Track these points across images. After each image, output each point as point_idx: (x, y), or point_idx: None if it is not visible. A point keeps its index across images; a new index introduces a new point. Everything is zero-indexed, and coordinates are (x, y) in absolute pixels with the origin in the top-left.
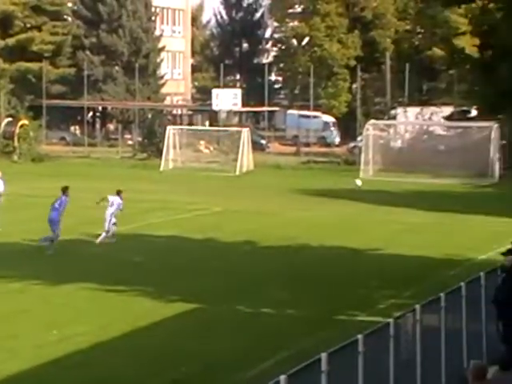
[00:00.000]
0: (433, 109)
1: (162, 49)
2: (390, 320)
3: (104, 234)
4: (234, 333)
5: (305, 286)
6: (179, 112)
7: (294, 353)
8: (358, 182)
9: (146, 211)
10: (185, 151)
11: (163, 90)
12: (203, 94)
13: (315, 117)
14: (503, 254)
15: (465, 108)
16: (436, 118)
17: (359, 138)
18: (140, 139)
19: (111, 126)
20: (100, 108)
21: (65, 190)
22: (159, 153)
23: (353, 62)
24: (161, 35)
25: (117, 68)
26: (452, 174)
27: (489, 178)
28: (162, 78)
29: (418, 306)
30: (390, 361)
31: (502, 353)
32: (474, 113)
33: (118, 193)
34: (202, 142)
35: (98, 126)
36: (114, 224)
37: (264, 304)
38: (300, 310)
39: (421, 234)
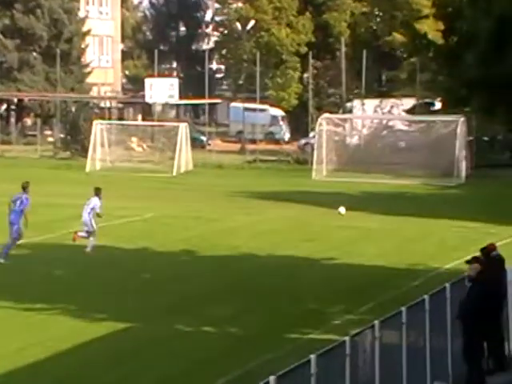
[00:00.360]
0: (393, 101)
1: (88, 32)
2: (346, 338)
3: (92, 239)
4: (170, 355)
5: (250, 300)
6: (107, 105)
7: (237, 377)
8: (342, 210)
9: (68, 218)
10: (114, 149)
11: (89, 80)
12: (135, 84)
13: (262, 110)
14: (468, 261)
15: (428, 100)
16: (396, 111)
17: (311, 134)
18: (62, 136)
19: (28, 121)
20: (15, 100)
21: (26, 186)
22: (85, 151)
23: (304, 49)
24: (86, 17)
25: (34, 54)
26: (414, 174)
27: (454, 178)
28: (87, 65)
29: (376, 322)
30: (345, 383)
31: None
32: (438, 105)
33: (97, 193)
34: (133, 139)
35: (12, 120)
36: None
37: (204, 322)
38: (245, 328)
39: (380, 241)
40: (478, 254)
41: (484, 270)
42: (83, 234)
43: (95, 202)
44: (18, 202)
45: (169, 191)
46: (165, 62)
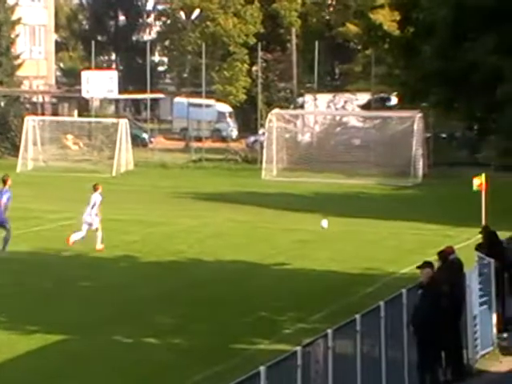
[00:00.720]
0: (347, 96)
1: (18, 21)
2: (298, 348)
3: (99, 234)
4: (110, 370)
5: (196, 309)
6: (40, 100)
7: None
8: (324, 224)
9: None
10: (48, 148)
11: (20, 73)
12: (70, 77)
13: (208, 106)
14: (419, 267)
15: (384, 95)
16: (350, 106)
17: (261, 131)
18: None
19: None
20: None
21: (6, 179)
22: (15, 150)
23: (252, 40)
24: (16, 4)
25: None
26: (369, 173)
27: (411, 177)
28: (17, 57)
29: (329, 331)
30: None
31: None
32: (394, 101)
33: (96, 189)
34: (69, 137)
35: None
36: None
37: (146, 333)
38: (190, 339)
39: (333, 245)
40: (435, 257)
41: (436, 276)
42: (78, 235)
43: (95, 198)
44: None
45: (108, 193)
46: (103, 53)
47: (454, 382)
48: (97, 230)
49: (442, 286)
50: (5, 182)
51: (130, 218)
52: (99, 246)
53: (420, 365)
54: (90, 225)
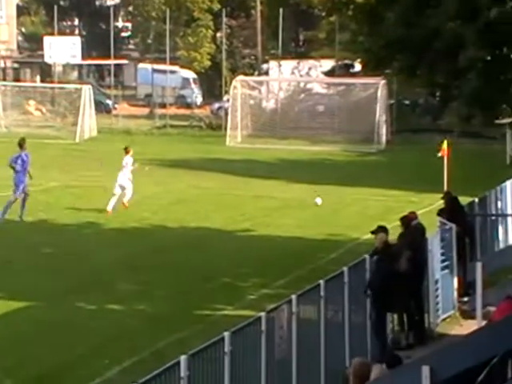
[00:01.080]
0: (311, 62)
1: None
2: (262, 313)
3: (129, 193)
4: (73, 336)
5: (160, 276)
6: (2, 65)
7: (146, 357)
8: (318, 201)
9: None
10: (10, 113)
11: None
12: (33, 42)
13: (172, 72)
14: (373, 232)
15: (347, 62)
16: (315, 73)
17: (225, 98)
18: None
19: None
20: None
21: (22, 143)
22: None
23: (217, 6)
24: None
25: None
26: (333, 140)
27: (375, 143)
28: None
29: (293, 296)
30: (261, 360)
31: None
32: (357, 67)
33: (127, 151)
34: (31, 102)
35: None
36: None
37: (110, 299)
38: (154, 306)
39: (297, 211)
40: (398, 223)
41: (399, 241)
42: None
43: (127, 160)
44: (20, 161)
45: (71, 159)
46: (65, 18)
47: (416, 346)
48: (124, 191)
49: (402, 251)
50: (21, 146)
51: (93, 185)
52: (126, 203)
53: (376, 328)
54: (123, 188)
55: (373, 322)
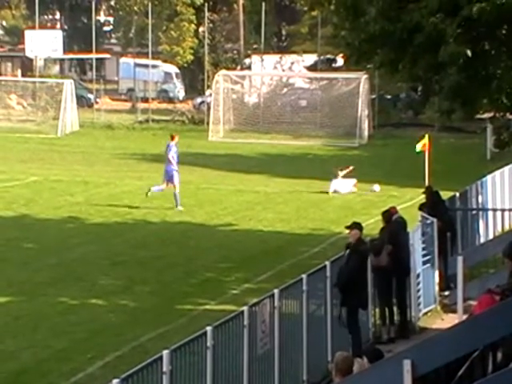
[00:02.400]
0: (293, 57)
1: None
2: (244, 308)
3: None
4: (54, 331)
5: (142, 270)
6: None
7: (128, 352)
8: (376, 188)
9: None
10: None
11: None
12: (13, 36)
13: (154, 66)
14: (347, 227)
15: (330, 56)
16: (297, 67)
17: (208, 92)
18: None
19: None
20: None
21: (173, 136)
22: None
23: (199, 0)
24: None
25: None
26: (315, 134)
27: (357, 138)
28: None
29: (276, 291)
30: (243, 355)
31: (369, 343)
32: (340, 62)
33: (172, 138)
34: (12, 97)
35: None
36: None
37: (92, 294)
38: (136, 301)
39: (280, 206)
40: (379, 217)
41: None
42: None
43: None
44: (168, 151)
45: (53, 153)
46: (47, 12)
47: (398, 340)
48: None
49: (383, 245)
50: (172, 138)
51: (75, 179)
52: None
53: (349, 324)
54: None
55: (343, 320)
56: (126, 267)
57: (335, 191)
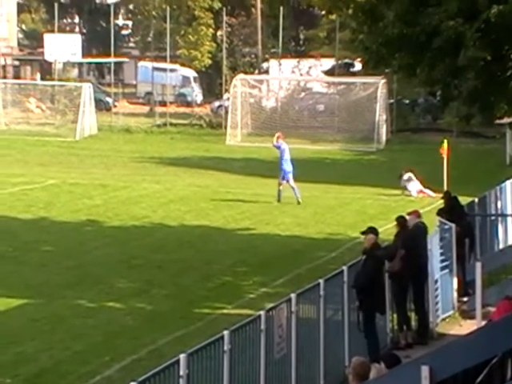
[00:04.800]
0: (311, 61)
1: None
2: (261, 312)
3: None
4: (71, 334)
5: (159, 274)
6: (2, 62)
7: (146, 355)
8: (414, 192)
9: None
10: (10, 111)
11: None
12: (33, 40)
13: (172, 70)
14: (363, 232)
15: (347, 61)
16: (315, 72)
17: (225, 96)
18: None
19: None
20: None
21: (278, 136)
22: None
23: (217, 5)
24: None
25: None
26: (333, 139)
27: (374, 142)
28: None
29: (293, 295)
30: (260, 359)
31: (386, 348)
32: (358, 66)
33: (278, 137)
34: (32, 100)
35: None
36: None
37: (109, 297)
38: (153, 304)
39: (296, 210)
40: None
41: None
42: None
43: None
44: (279, 151)
45: (71, 157)
46: (66, 16)
47: (415, 346)
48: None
49: (396, 250)
50: (278, 138)
51: (93, 183)
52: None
53: (366, 329)
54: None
55: (362, 322)
56: (143, 270)
57: (407, 191)
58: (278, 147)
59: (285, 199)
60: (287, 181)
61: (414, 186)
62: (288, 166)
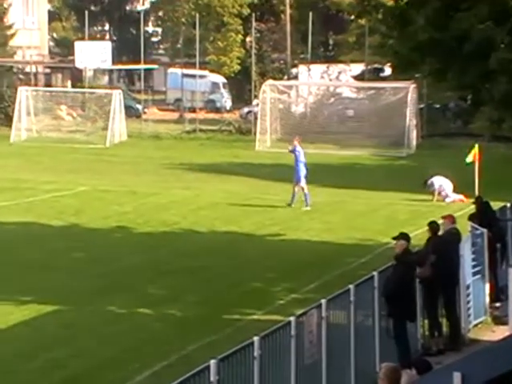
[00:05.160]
0: (340, 66)
1: None
2: (291, 318)
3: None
4: (102, 340)
5: (190, 280)
6: (33, 70)
7: (176, 361)
8: (448, 198)
9: None
10: (41, 118)
11: (13, 43)
12: (64, 47)
13: (202, 76)
14: (394, 238)
15: (377, 66)
16: (344, 77)
17: (255, 102)
18: None
19: None
20: None
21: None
22: (8, 120)
23: (246, 11)
24: None
25: None
26: (362, 144)
27: (404, 148)
28: (10, 27)
29: (323, 301)
30: (291, 365)
31: (418, 354)
32: (387, 71)
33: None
34: (62, 107)
35: None
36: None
37: (140, 303)
38: (184, 310)
39: (327, 216)
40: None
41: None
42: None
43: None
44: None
45: (101, 164)
46: (96, 24)
47: (447, 352)
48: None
49: (427, 256)
50: (297, 142)
51: (123, 189)
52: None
53: (396, 335)
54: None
55: (391, 331)
56: (173, 277)
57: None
58: (293, 151)
59: (314, 205)
60: (298, 183)
61: (445, 189)
62: (303, 170)
